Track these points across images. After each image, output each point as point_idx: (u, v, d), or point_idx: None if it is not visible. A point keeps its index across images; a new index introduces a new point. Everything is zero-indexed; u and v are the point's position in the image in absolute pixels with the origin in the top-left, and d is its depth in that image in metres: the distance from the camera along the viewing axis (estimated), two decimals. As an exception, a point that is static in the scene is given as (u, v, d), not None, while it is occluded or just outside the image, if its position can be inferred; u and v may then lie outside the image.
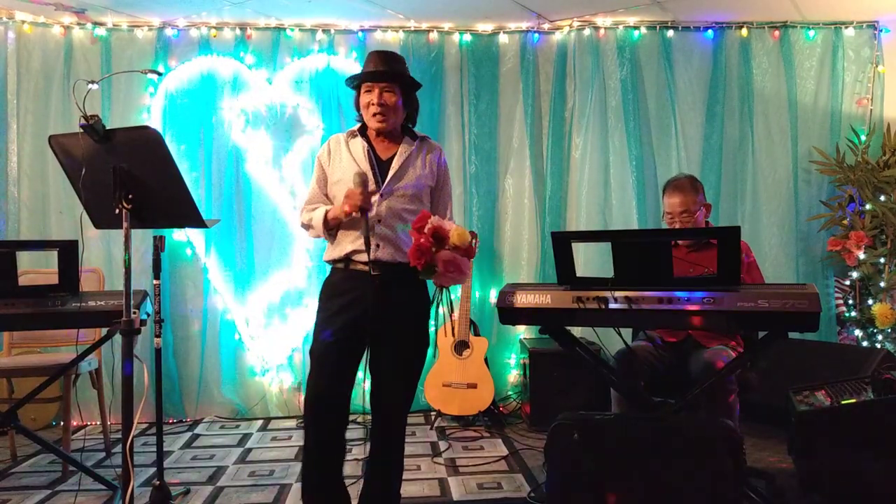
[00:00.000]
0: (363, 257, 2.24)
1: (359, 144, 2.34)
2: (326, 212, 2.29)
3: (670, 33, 4.38)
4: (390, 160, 2.33)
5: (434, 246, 2.04)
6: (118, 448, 3.52)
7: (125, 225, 2.14)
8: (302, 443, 3.70)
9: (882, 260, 4.06)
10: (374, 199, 2.26)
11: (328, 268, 2.39)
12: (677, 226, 2.94)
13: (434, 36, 4.42)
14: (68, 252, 2.68)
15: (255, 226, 4.33)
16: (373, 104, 2.27)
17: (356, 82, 2.33)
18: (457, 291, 4.31)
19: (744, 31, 4.36)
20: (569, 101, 4.44)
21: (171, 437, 3.86)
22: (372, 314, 2.24)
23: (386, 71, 2.28)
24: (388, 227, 2.27)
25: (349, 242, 2.27)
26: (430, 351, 4.28)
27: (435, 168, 2.40)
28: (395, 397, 2.35)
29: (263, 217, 4.34)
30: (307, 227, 2.36)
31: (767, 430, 3.60)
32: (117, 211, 2.14)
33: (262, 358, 4.34)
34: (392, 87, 2.28)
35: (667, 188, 3.03)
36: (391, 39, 4.40)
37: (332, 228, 2.30)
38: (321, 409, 2.24)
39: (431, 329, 4.26)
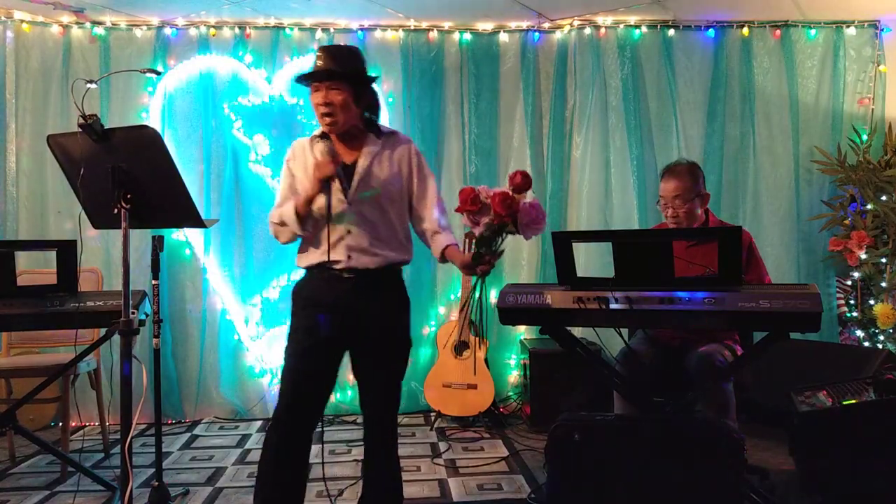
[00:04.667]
0: (337, 266, 2.17)
1: (322, 148, 2.19)
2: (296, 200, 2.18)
3: (671, 32, 4.37)
4: (355, 163, 2.20)
5: (516, 191, 2.04)
6: (117, 449, 3.50)
7: (124, 225, 2.13)
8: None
9: (884, 260, 4.05)
10: (343, 208, 2.16)
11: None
12: (669, 212, 2.90)
13: (434, 35, 4.41)
14: (67, 252, 2.68)
15: (254, 225, 4.31)
16: (319, 105, 2.14)
17: (304, 82, 2.20)
18: (457, 292, 4.31)
19: (745, 31, 4.35)
20: (569, 100, 4.43)
21: (170, 437, 3.85)
22: (348, 322, 2.17)
23: (328, 69, 2.13)
24: (359, 237, 2.17)
25: (321, 254, 2.18)
26: (430, 351, 4.33)
27: (406, 163, 2.26)
28: (378, 403, 2.27)
29: (262, 217, 4.33)
30: (280, 225, 2.22)
31: (768, 430, 3.58)
32: (116, 211, 2.13)
33: (261, 358, 4.32)
34: (339, 84, 2.13)
35: (664, 173, 2.98)
36: (391, 38, 4.39)
37: (304, 217, 2.16)
38: (290, 418, 2.16)
39: (432, 329, 4.32)
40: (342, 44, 2.24)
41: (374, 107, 2.27)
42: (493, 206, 2.03)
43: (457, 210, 2.12)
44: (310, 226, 2.19)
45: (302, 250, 2.28)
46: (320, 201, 2.14)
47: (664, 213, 2.96)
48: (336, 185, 2.14)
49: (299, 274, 2.32)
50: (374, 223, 2.19)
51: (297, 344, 2.21)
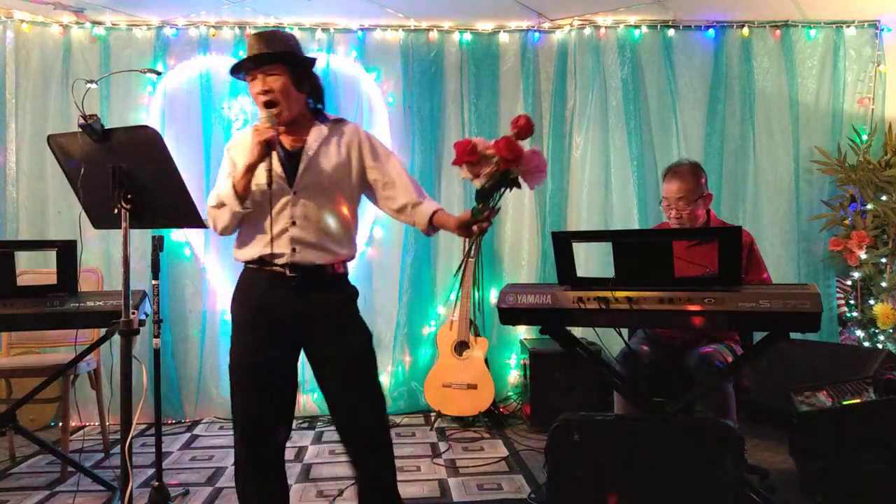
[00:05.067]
0: (279, 260, 2.05)
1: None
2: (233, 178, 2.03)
3: (671, 32, 4.37)
4: (299, 151, 2.08)
5: (519, 136, 1.94)
6: (117, 449, 3.49)
7: (124, 225, 2.13)
8: (300, 444, 3.71)
9: (884, 260, 4.05)
10: (287, 198, 2.05)
11: (241, 266, 2.17)
12: (673, 213, 2.90)
13: (434, 35, 4.41)
14: (67, 252, 2.67)
15: (254, 225, 4.31)
16: (259, 94, 2.02)
17: (241, 74, 2.08)
18: (457, 292, 4.30)
19: (745, 31, 4.35)
20: (569, 100, 4.43)
21: (170, 437, 3.85)
22: (291, 322, 2.06)
23: (264, 54, 2.01)
24: (305, 229, 2.05)
25: (262, 246, 2.06)
26: (430, 351, 4.32)
27: (356, 149, 2.14)
28: (361, 412, 2.13)
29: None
30: (218, 207, 2.07)
31: (768, 430, 3.59)
32: (116, 211, 2.13)
33: (261, 358, 4.32)
34: (276, 69, 2.02)
35: (666, 173, 2.98)
36: (391, 38, 4.39)
37: (242, 193, 2.02)
38: (252, 436, 2.10)
39: (432, 329, 4.32)
40: (274, 29, 2.08)
41: (318, 92, 2.16)
42: (498, 151, 1.92)
43: (454, 163, 2.02)
44: (249, 203, 2.04)
45: (240, 241, 2.13)
46: (260, 178, 2.00)
47: (667, 214, 2.96)
48: (278, 170, 2.02)
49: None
50: (322, 214, 2.07)
51: (240, 359, 2.09)
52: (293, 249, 2.04)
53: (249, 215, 2.07)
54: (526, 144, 1.98)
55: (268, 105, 2.03)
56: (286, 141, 2.10)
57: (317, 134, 2.12)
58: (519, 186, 2.02)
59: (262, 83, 2.02)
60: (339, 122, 2.20)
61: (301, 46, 2.15)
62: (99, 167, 2.13)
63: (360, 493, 2.22)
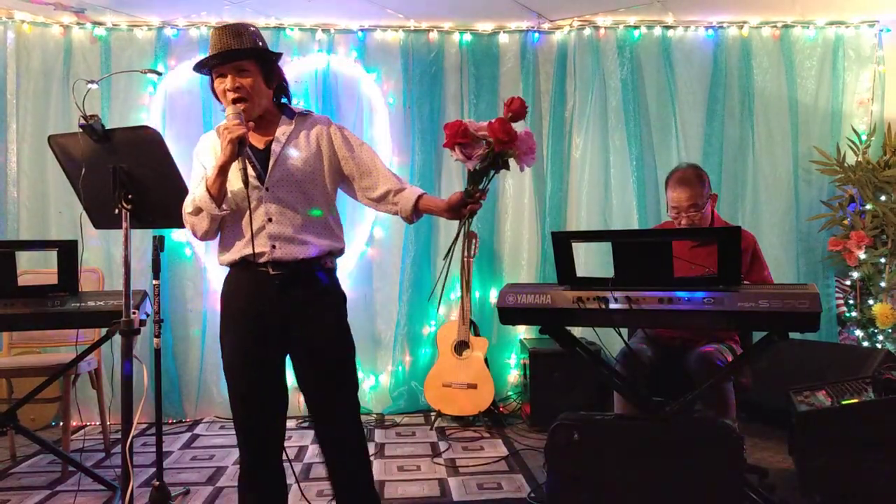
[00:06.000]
0: (261, 258, 2.00)
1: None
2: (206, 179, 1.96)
3: (671, 33, 4.38)
4: (269, 148, 2.04)
5: (512, 118, 1.94)
6: (118, 448, 3.51)
7: (125, 225, 2.14)
8: (300, 443, 3.71)
9: (882, 260, 4.06)
10: (261, 195, 2.00)
11: (226, 270, 2.14)
12: (684, 221, 2.89)
13: (434, 36, 4.41)
14: (68, 252, 2.68)
15: (254, 225, 4.31)
16: (228, 90, 1.96)
17: (206, 69, 2.01)
18: (456, 291, 4.31)
19: (744, 31, 4.36)
20: (569, 100, 4.44)
21: (171, 437, 3.86)
22: (279, 321, 2.02)
23: (233, 50, 1.94)
24: (281, 224, 2.00)
25: (242, 247, 2.02)
26: (430, 351, 4.32)
27: (325, 141, 2.09)
28: (332, 416, 2.11)
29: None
30: (195, 214, 2.00)
31: (768, 430, 3.59)
32: (117, 211, 2.14)
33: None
34: (245, 65, 1.96)
35: (670, 181, 2.96)
36: (391, 39, 4.40)
37: (217, 195, 1.95)
38: (252, 437, 2.11)
39: (432, 329, 4.32)
40: (235, 22, 1.98)
41: (283, 87, 2.11)
42: (493, 133, 1.91)
43: (445, 145, 1.99)
44: (225, 205, 1.99)
45: (222, 245, 2.09)
46: (234, 179, 1.96)
47: (677, 222, 2.94)
48: (250, 168, 1.97)
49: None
50: (297, 208, 2.02)
51: (230, 361, 2.09)
52: (273, 246, 2.00)
53: (228, 218, 2.05)
54: (518, 126, 1.99)
55: (236, 102, 1.97)
56: (254, 138, 2.05)
57: (284, 128, 2.07)
58: (508, 168, 2.02)
59: (231, 80, 1.96)
60: (306, 114, 2.15)
61: (265, 39, 2.11)
62: (100, 167, 2.14)
63: (337, 495, 2.20)
